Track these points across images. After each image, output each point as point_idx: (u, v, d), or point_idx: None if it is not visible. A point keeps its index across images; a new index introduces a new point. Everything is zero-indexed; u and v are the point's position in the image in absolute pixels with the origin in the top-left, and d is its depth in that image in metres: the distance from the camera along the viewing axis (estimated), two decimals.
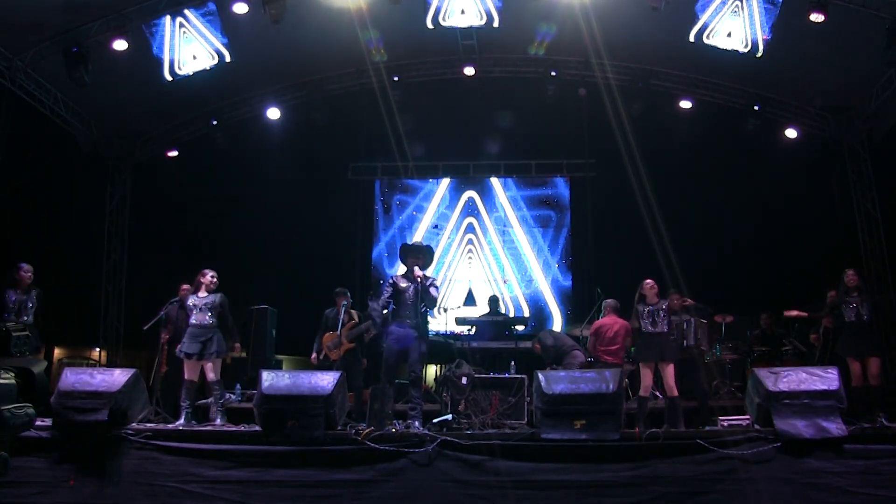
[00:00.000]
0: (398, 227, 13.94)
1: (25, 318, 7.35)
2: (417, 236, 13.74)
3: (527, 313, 12.98)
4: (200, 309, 7.29)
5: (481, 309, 11.76)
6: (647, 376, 7.20)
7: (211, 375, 7.25)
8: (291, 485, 5.88)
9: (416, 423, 6.58)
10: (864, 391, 7.05)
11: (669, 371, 7.11)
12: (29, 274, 7.54)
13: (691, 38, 9.50)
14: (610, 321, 8.68)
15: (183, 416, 7.08)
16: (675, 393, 7.08)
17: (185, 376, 7.26)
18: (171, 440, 6.15)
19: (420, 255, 7.18)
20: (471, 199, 13.94)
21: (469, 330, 10.29)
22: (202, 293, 7.40)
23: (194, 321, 7.28)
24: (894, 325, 10.61)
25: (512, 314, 12.71)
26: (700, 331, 8.01)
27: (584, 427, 5.95)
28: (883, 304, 10.38)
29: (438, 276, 13.56)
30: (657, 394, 8.57)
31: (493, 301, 10.90)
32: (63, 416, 6.17)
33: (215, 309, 7.30)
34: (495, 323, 10.14)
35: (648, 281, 7.44)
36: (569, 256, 13.51)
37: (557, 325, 12.80)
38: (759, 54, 9.41)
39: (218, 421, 7.14)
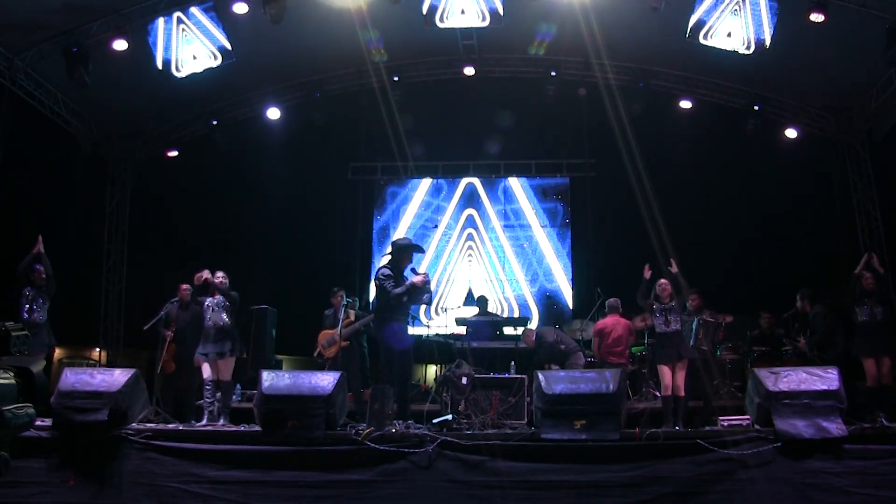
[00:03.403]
0: (386, 222, 13.93)
1: (38, 317, 7.41)
2: (407, 232, 13.71)
3: (533, 312, 13.01)
4: (214, 309, 7.38)
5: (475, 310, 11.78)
6: (666, 375, 7.16)
7: (225, 375, 7.34)
8: (292, 485, 5.87)
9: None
10: (875, 390, 7.06)
11: (682, 370, 7.11)
12: (42, 274, 7.60)
13: (693, 39, 9.48)
14: (612, 321, 8.68)
15: (206, 416, 7.18)
16: (682, 393, 7.08)
17: (205, 376, 7.35)
18: (171, 440, 6.15)
19: (389, 252, 7.19)
20: (470, 185, 13.86)
21: (469, 330, 10.29)
22: (217, 294, 7.45)
23: (210, 322, 7.37)
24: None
25: (514, 314, 12.71)
26: (703, 331, 8.01)
27: (584, 427, 5.95)
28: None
29: (436, 276, 13.57)
30: (657, 394, 8.57)
31: (482, 301, 10.90)
32: (63, 416, 6.16)
33: (229, 308, 7.41)
34: (492, 323, 10.14)
35: (662, 281, 7.40)
36: (571, 254, 13.51)
37: (533, 325, 12.73)
38: (759, 54, 9.41)
39: (221, 421, 7.16)
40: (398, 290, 6.76)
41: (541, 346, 8.81)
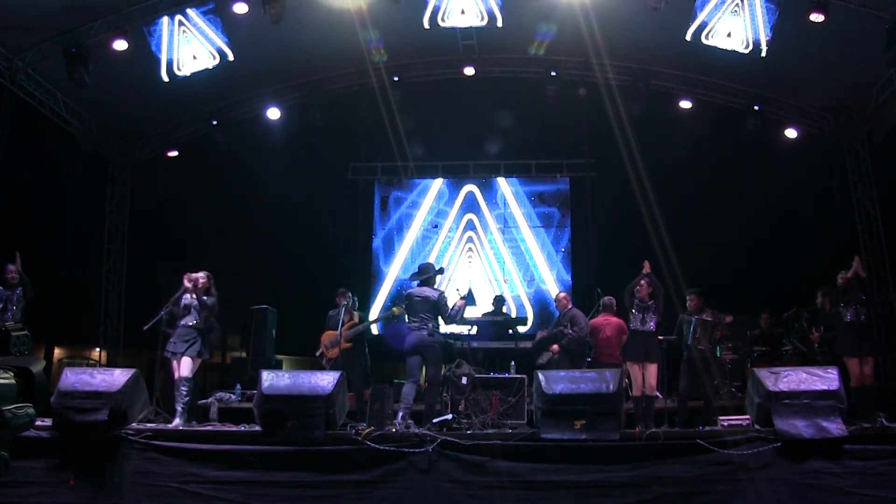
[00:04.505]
0: (396, 224, 14.00)
1: (10, 318, 7.36)
2: (412, 233, 13.83)
3: (528, 312, 12.97)
4: (189, 310, 7.38)
5: (481, 308, 11.76)
6: (637, 375, 7.28)
7: (184, 371, 7.27)
8: (292, 485, 5.88)
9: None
10: (861, 390, 7.06)
11: (652, 371, 7.23)
12: (14, 275, 7.56)
13: (688, 37, 9.50)
14: (602, 321, 8.64)
15: (178, 416, 7.08)
16: (655, 393, 7.18)
17: (176, 375, 7.30)
18: (171, 440, 6.15)
19: (425, 275, 7.62)
20: (470, 194, 13.97)
21: (469, 330, 10.30)
22: (194, 294, 7.46)
23: (182, 321, 7.38)
24: (894, 326, 10.61)
25: (514, 314, 12.71)
26: (700, 329, 8.02)
27: (584, 427, 5.95)
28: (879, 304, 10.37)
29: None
30: (657, 394, 8.57)
31: (499, 300, 10.88)
32: (63, 416, 6.16)
33: (202, 312, 7.38)
34: (496, 322, 10.14)
35: (643, 280, 7.50)
36: (571, 254, 13.55)
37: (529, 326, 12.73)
38: (759, 54, 9.41)
39: (177, 420, 7.04)
40: (454, 310, 7.50)
41: (572, 327, 8.53)
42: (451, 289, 13.42)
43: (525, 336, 10.44)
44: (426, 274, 7.60)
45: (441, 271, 7.89)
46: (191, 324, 7.35)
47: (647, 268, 7.65)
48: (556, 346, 8.56)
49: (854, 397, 6.82)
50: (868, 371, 7.13)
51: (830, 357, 8.08)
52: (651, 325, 7.33)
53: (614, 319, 8.57)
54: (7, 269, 7.58)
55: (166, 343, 8.15)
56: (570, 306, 8.87)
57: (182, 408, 7.17)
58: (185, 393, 7.24)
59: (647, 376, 7.24)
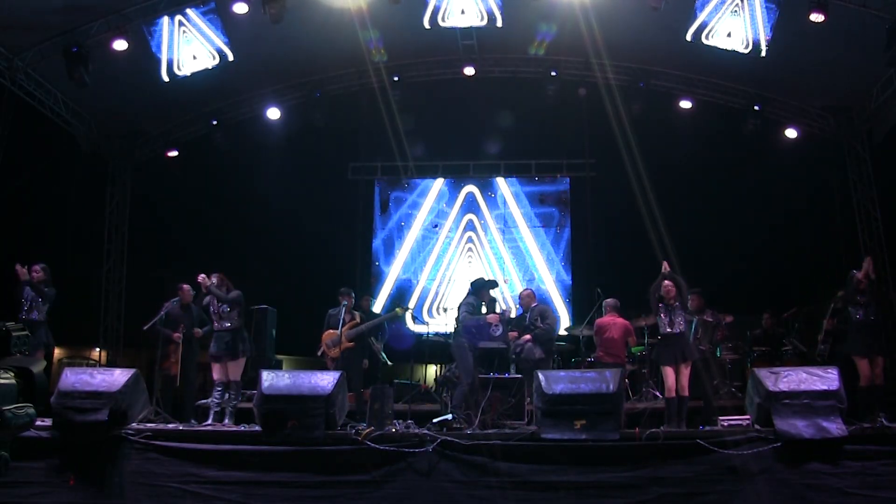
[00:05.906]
0: (396, 224, 14.05)
1: (36, 315, 7.47)
2: (413, 234, 13.90)
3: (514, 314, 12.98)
4: (221, 315, 7.49)
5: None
6: (669, 377, 7.06)
7: (234, 376, 7.42)
8: (292, 485, 5.88)
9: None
10: (869, 390, 7.04)
11: (686, 371, 7.05)
12: (41, 274, 7.64)
13: (688, 37, 9.50)
14: (608, 321, 8.65)
15: (212, 416, 7.29)
16: (686, 393, 7.05)
17: (215, 377, 7.46)
18: (171, 440, 6.15)
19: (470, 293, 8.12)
20: (471, 195, 14.00)
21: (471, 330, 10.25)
22: (213, 298, 7.55)
23: (218, 326, 7.52)
24: (895, 326, 10.61)
25: (513, 314, 12.68)
26: (701, 330, 8.01)
27: (584, 427, 5.94)
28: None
29: (436, 276, 13.71)
30: (657, 394, 8.58)
31: (492, 302, 10.87)
32: (63, 416, 6.16)
33: (234, 308, 7.52)
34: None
35: (667, 282, 7.27)
36: (571, 254, 13.56)
37: (566, 323, 12.73)
38: (759, 54, 9.42)
39: (227, 421, 7.22)
40: (465, 318, 7.93)
41: (542, 322, 8.32)
42: (449, 288, 13.61)
43: None
44: (474, 289, 8.14)
45: (493, 284, 8.35)
46: (228, 325, 7.47)
47: (665, 267, 7.39)
48: (528, 336, 8.27)
49: (862, 397, 6.81)
50: (878, 370, 7.11)
51: (831, 353, 8.04)
52: (681, 327, 7.11)
53: (620, 320, 8.57)
54: (33, 268, 7.66)
55: (174, 345, 8.20)
56: (534, 303, 8.80)
57: (231, 410, 7.34)
58: (234, 396, 7.43)
59: (680, 377, 7.05)
